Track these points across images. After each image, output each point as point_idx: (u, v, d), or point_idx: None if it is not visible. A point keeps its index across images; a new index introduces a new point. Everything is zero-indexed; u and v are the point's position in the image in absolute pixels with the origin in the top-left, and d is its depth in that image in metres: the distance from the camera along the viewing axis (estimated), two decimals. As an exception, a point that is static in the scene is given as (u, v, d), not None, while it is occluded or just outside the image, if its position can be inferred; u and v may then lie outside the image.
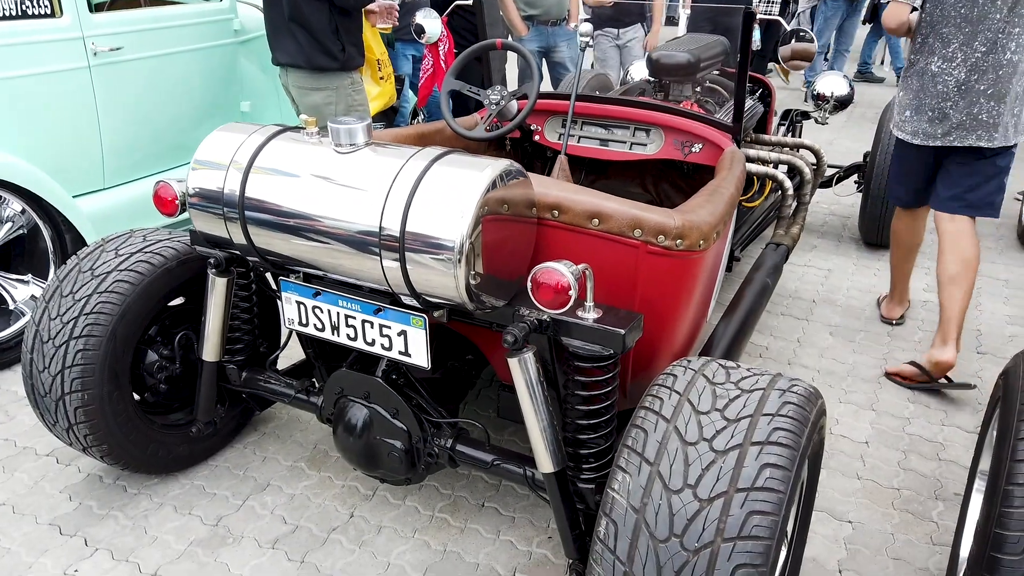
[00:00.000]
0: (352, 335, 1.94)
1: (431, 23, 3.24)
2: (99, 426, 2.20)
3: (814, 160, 3.87)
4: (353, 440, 2.04)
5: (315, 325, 1.99)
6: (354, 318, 1.91)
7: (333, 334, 1.97)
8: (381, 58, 4.28)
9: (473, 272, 1.61)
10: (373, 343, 1.91)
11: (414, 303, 1.73)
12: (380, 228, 1.63)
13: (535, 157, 3.37)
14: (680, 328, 2.08)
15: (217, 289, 2.14)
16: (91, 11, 3.50)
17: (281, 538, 2.27)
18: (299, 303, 1.98)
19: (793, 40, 3.99)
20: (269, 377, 2.33)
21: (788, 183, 3.32)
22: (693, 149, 2.89)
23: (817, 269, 4.08)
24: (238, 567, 2.16)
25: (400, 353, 1.88)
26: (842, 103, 4.19)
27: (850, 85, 4.17)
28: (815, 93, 4.21)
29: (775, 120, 4.36)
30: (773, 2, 7.03)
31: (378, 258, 1.66)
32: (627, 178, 3.44)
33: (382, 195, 1.64)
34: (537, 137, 3.18)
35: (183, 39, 4.03)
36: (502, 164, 1.67)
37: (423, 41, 3.18)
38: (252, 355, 2.39)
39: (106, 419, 2.21)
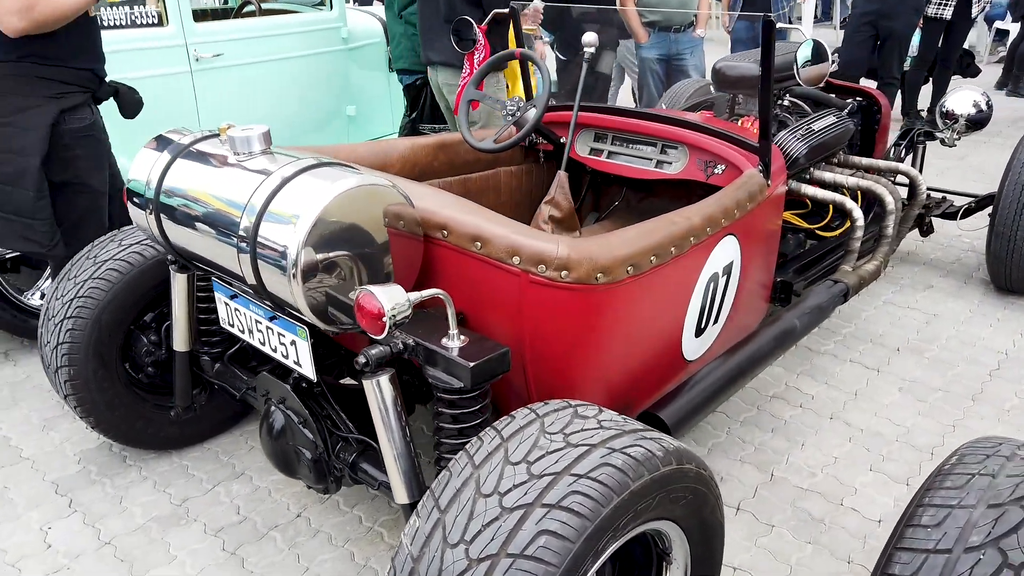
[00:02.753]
0: (262, 340, 1.97)
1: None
2: (85, 399, 2.41)
3: (911, 187, 3.38)
4: (271, 443, 2.08)
5: (237, 326, 2.05)
6: (260, 323, 1.94)
7: (249, 337, 2.02)
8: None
9: (320, 286, 1.57)
10: (276, 350, 1.93)
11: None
12: (240, 231, 1.65)
13: (570, 171, 3.23)
14: (602, 367, 1.90)
15: (179, 284, 2.26)
16: (194, 21, 3.84)
17: (227, 527, 2.35)
18: (225, 303, 2.05)
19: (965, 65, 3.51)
20: (230, 370, 2.43)
21: (857, 212, 2.95)
22: (716, 170, 2.63)
23: (920, 312, 3.55)
24: (177, 548, 2.28)
25: (294, 363, 1.89)
26: (976, 124, 3.64)
27: (988, 104, 3.62)
28: (944, 111, 3.70)
29: (890, 139, 3.86)
30: (947, 2, 6.17)
31: (238, 261, 1.67)
32: (673, 198, 3.20)
33: (246, 199, 1.65)
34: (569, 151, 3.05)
35: (287, 47, 4.31)
36: (364, 179, 1.62)
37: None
38: (228, 348, 2.50)
39: (91, 393, 2.41)
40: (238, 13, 4.72)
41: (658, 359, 2.15)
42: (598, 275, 1.71)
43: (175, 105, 3.83)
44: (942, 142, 3.73)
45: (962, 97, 3.67)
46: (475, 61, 3.34)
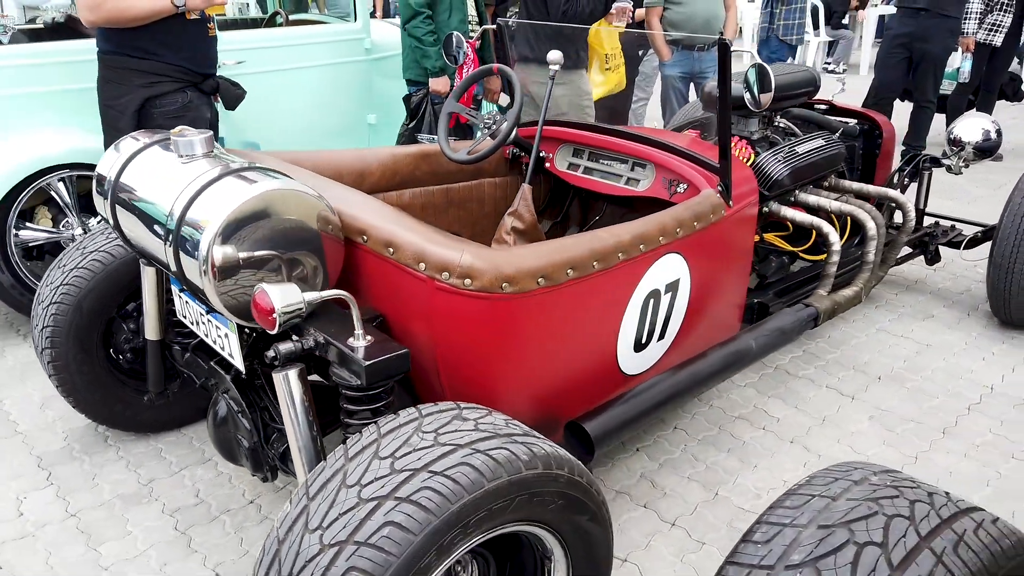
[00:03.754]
0: (205, 332, 2.10)
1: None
2: (66, 380, 2.59)
3: (901, 214, 3.33)
4: (215, 431, 2.20)
5: (188, 318, 2.18)
6: (202, 315, 2.06)
7: (197, 328, 2.15)
8: (611, 52, 4.70)
9: (232, 283, 1.68)
10: (215, 341, 2.06)
11: None
12: (168, 228, 1.77)
13: (551, 185, 3.29)
14: (518, 375, 1.96)
15: (147, 276, 2.41)
16: (219, 30, 4.04)
17: (183, 508, 2.49)
18: (177, 295, 2.19)
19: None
20: (196, 359, 2.57)
21: (834, 237, 2.93)
22: (679, 189, 2.66)
23: (913, 342, 3.48)
24: (134, 524, 2.42)
25: (228, 354, 2.01)
26: (984, 152, 3.57)
27: (997, 131, 3.55)
28: (951, 137, 3.63)
29: (894, 165, 3.79)
30: (1000, 27, 5.98)
31: (166, 256, 1.79)
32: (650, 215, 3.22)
33: (175, 199, 1.77)
34: (548, 164, 3.11)
35: (309, 56, 4.49)
36: (280, 183, 1.73)
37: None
38: (196, 338, 2.64)
39: (71, 375, 2.58)
40: (268, 23, 4.94)
41: (590, 372, 2.19)
42: (504, 285, 1.77)
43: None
44: (948, 169, 3.65)
45: (970, 124, 3.59)
46: (464, 74, 3.43)
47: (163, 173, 1.90)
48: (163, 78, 3.11)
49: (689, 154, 2.64)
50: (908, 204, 3.29)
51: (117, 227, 2.07)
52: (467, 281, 1.73)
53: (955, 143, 3.59)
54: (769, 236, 3.19)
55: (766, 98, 2.38)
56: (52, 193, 3.62)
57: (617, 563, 2.25)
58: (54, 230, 3.71)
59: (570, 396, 2.18)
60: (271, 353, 1.72)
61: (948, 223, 3.91)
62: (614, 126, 3.00)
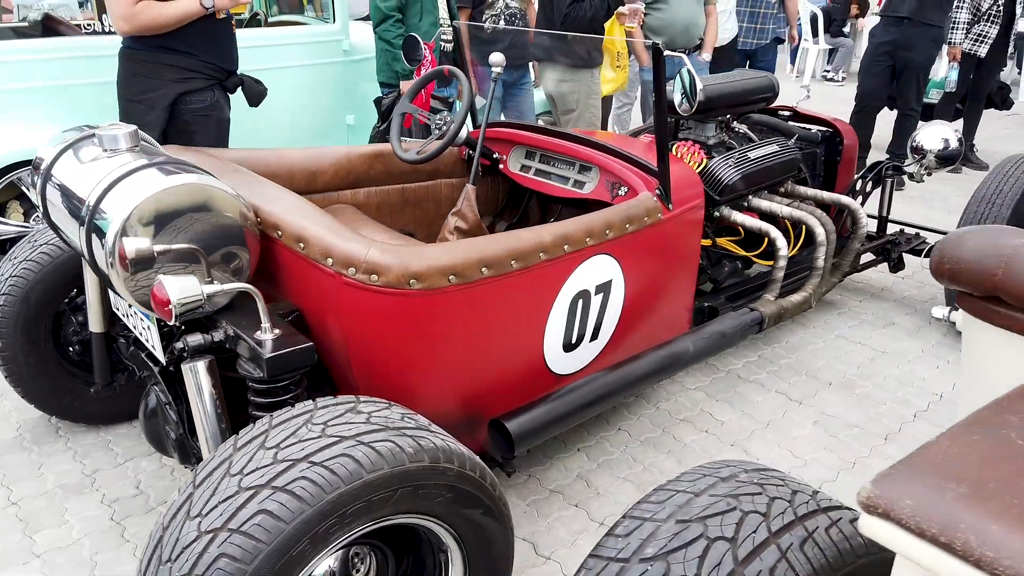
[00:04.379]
0: (134, 324, 2.13)
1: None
2: (13, 370, 2.63)
3: (852, 221, 3.33)
4: (145, 422, 2.24)
5: (121, 310, 2.22)
6: (130, 307, 2.10)
7: (127, 320, 2.19)
8: (622, 50, 4.87)
9: (138, 275, 1.72)
10: (141, 333, 2.09)
11: None
12: (82, 219, 1.81)
13: (510, 187, 3.32)
14: (434, 371, 1.98)
15: (89, 269, 2.45)
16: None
17: (122, 499, 2.53)
18: (110, 288, 2.23)
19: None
20: (137, 353, 2.61)
21: (781, 242, 2.95)
22: (619, 192, 2.68)
23: (869, 349, 3.48)
24: (71, 514, 2.46)
25: (152, 346, 2.04)
26: (946, 160, 3.57)
27: (959, 140, 3.55)
28: (913, 145, 3.64)
29: (855, 172, 3.79)
30: (985, 37, 5.96)
31: (83, 248, 1.83)
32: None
33: (90, 191, 1.81)
34: (502, 166, 3.14)
35: (288, 57, 4.54)
36: (190, 178, 1.76)
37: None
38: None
39: (19, 365, 2.63)
40: (249, 23, 4.99)
41: (515, 371, 2.21)
42: (412, 281, 1.80)
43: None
44: (910, 177, 3.65)
45: (932, 133, 3.59)
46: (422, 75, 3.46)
47: (88, 165, 1.94)
48: (196, 74, 3.18)
49: (630, 157, 2.66)
50: (860, 211, 3.29)
51: (47, 215, 2.12)
52: (373, 277, 1.76)
53: (916, 151, 3.59)
54: (722, 240, 3.21)
55: (691, 104, 2.40)
56: (23, 188, 3.68)
57: (541, 560, 2.27)
58: (26, 224, 3.77)
59: (495, 394, 2.20)
60: (179, 345, 1.76)
61: (913, 231, 3.91)
62: (563, 130, 3.02)
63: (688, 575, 1.22)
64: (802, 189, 3.35)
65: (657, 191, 2.54)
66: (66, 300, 2.70)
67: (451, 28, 4.17)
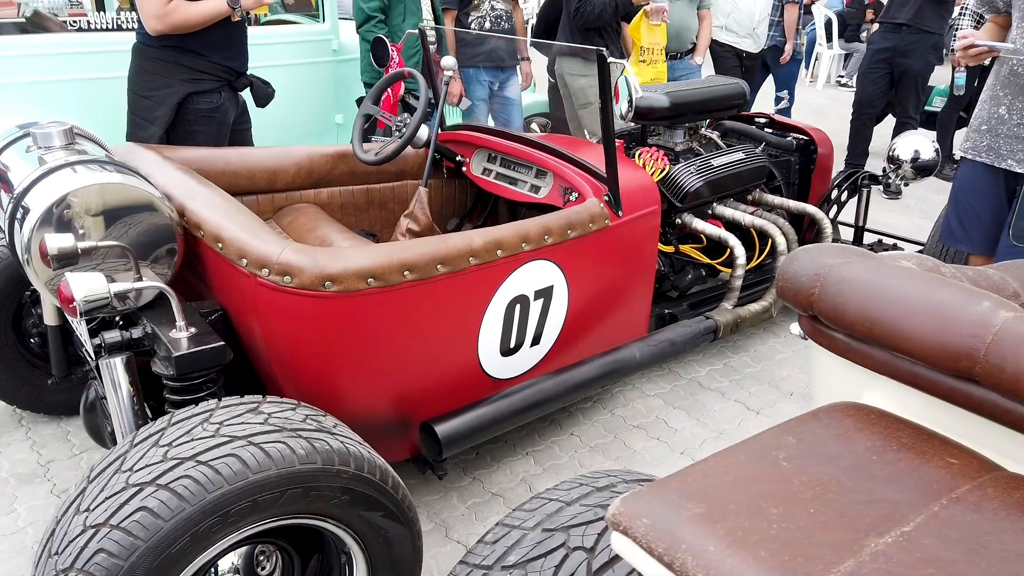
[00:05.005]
0: (71, 319, 2.17)
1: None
2: (-27, 361, 2.70)
3: (816, 230, 3.30)
4: (84, 416, 2.28)
5: (63, 305, 2.26)
6: (68, 303, 2.14)
7: (68, 316, 2.23)
8: (648, 47, 4.86)
9: (53, 271, 1.75)
10: (76, 328, 2.13)
11: None
12: (8, 215, 1.85)
13: (476, 190, 3.32)
14: (358, 374, 2.00)
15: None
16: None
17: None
18: (54, 284, 2.27)
19: None
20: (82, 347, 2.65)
21: (739, 251, 2.93)
22: (571, 197, 2.67)
23: (838, 360, 3.44)
24: (21, 502, 2.51)
25: (84, 342, 2.08)
26: (922, 170, 3.53)
27: (936, 150, 3.51)
28: (890, 155, 3.60)
29: (832, 181, 3.75)
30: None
31: (11, 242, 1.87)
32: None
33: (15, 188, 1.85)
34: (465, 169, 3.15)
35: (277, 55, 4.57)
36: (112, 177, 1.79)
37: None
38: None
39: (-22, 357, 2.70)
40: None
41: (449, 375, 2.22)
42: (327, 283, 1.81)
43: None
44: (887, 187, 3.60)
45: (909, 142, 3.54)
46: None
47: (21, 162, 1.98)
48: (206, 76, 3.24)
49: (581, 163, 2.66)
50: (825, 220, 3.26)
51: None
52: (287, 278, 1.78)
53: (893, 161, 3.54)
54: (686, 247, 3.19)
55: (629, 108, 2.39)
56: None
57: (471, 564, 2.27)
58: None
59: (428, 397, 2.21)
60: (96, 341, 1.79)
61: (891, 240, 3.86)
62: (523, 134, 3.02)
63: (585, 546, 1.23)
64: (769, 197, 3.33)
65: (606, 197, 2.54)
66: (28, 292, 2.75)
67: (433, 30, 4.19)
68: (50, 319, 2.60)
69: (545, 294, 2.37)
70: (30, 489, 2.57)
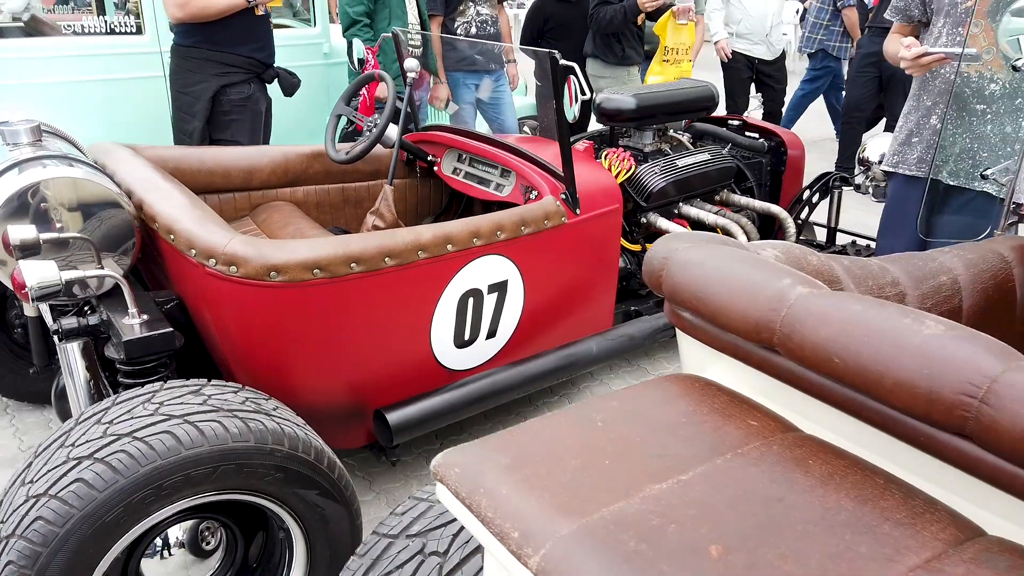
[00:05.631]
0: (42, 308, 2.28)
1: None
2: (-41, 351, 2.82)
3: (780, 230, 3.35)
4: (55, 401, 2.37)
5: (35, 295, 2.36)
6: (37, 293, 2.24)
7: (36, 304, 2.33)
8: (673, 47, 4.90)
9: (13, 261, 1.85)
10: (44, 315, 2.23)
11: None
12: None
13: (447, 187, 3.41)
14: (308, 361, 2.08)
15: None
16: (170, 30, 4.27)
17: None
18: (27, 275, 2.38)
19: None
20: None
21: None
22: (531, 195, 2.75)
23: (806, 358, 3.49)
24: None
25: (51, 329, 2.18)
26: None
27: (906, 151, 3.53)
28: (860, 156, 3.64)
29: (804, 183, 3.81)
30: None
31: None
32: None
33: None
34: (436, 168, 3.24)
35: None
36: (70, 172, 1.89)
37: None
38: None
39: (-37, 346, 2.82)
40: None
41: (402, 365, 2.30)
42: (272, 273, 1.90)
43: (149, 109, 4.26)
44: (856, 188, 3.65)
45: (878, 144, 3.58)
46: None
47: (-6, 159, 2.09)
48: (235, 69, 3.46)
49: (541, 163, 2.74)
50: (788, 220, 3.31)
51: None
52: (232, 268, 1.87)
53: (862, 163, 3.59)
54: (651, 246, 3.25)
55: (577, 109, 2.47)
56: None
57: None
58: None
59: (382, 386, 2.29)
60: (54, 327, 1.89)
61: (864, 242, 3.90)
62: (490, 135, 3.10)
63: (439, 549, 1.30)
64: (736, 198, 3.39)
65: (563, 196, 2.61)
66: (10, 285, 2.87)
67: (419, 35, 4.29)
68: (30, 311, 2.71)
69: (499, 288, 2.45)
70: (10, 474, 2.67)
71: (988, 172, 2.17)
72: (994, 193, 2.33)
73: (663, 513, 0.71)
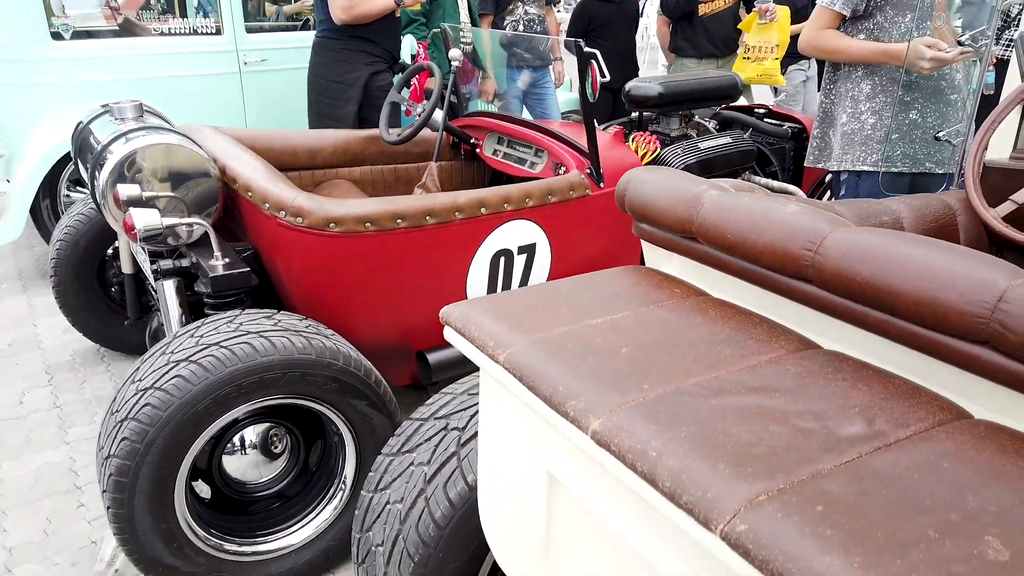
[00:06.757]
0: (142, 259, 2.69)
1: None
2: (65, 303, 3.28)
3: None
4: (149, 341, 2.80)
5: (135, 249, 2.79)
6: (137, 244, 2.66)
7: (137, 256, 2.76)
8: (755, 45, 5.16)
9: (122, 211, 2.26)
10: (143, 263, 2.65)
11: None
12: (89, 167, 2.37)
13: (488, 168, 3.75)
14: (360, 302, 2.44)
15: (120, 220, 3.05)
16: (246, 32, 4.73)
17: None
18: (128, 233, 2.80)
19: None
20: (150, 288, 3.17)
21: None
22: (560, 171, 3.07)
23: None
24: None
25: (146, 272, 2.59)
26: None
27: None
28: (881, 143, 3.85)
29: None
30: (1015, 42, 5.97)
31: (93, 191, 2.40)
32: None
33: (99, 145, 2.37)
34: (479, 150, 3.58)
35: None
36: (169, 139, 2.29)
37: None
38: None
39: (68, 298, 3.27)
40: (303, 27, 5.62)
41: (440, 311, 2.65)
42: (331, 224, 2.27)
43: (224, 101, 4.74)
44: (876, 172, 3.85)
45: (898, 130, 3.79)
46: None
47: (105, 129, 2.51)
48: (379, 59, 3.93)
49: (570, 142, 3.05)
50: (801, 196, 3.55)
51: (78, 170, 2.70)
52: (298, 219, 2.24)
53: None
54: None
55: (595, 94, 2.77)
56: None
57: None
58: (99, 194, 4.47)
59: (424, 331, 2.64)
60: (154, 267, 2.29)
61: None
62: (527, 119, 3.43)
63: (459, 425, 1.63)
64: (755, 178, 3.64)
65: (587, 170, 2.92)
66: (108, 251, 3.32)
67: (469, 31, 4.65)
68: (127, 268, 3.16)
69: (528, 250, 2.78)
70: (86, 427, 3.12)
71: (941, 135, 2.40)
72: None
73: (595, 333, 1.02)
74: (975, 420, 0.87)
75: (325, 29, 3.89)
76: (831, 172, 3.02)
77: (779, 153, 3.94)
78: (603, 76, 2.70)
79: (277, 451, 2.22)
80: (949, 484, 0.73)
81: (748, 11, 5.34)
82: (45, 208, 4.25)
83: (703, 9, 5.29)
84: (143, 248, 2.51)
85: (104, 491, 1.88)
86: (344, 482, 2.18)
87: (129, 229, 2.14)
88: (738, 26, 5.17)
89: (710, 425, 0.83)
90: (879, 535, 0.67)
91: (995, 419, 0.87)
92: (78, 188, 4.39)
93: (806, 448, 0.79)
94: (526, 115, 5.29)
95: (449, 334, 1.18)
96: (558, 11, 6.27)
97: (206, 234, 2.32)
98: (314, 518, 2.19)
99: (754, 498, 0.72)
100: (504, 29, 5.01)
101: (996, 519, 0.69)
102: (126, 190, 2.24)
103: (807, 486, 0.74)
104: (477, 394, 1.70)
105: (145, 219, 2.14)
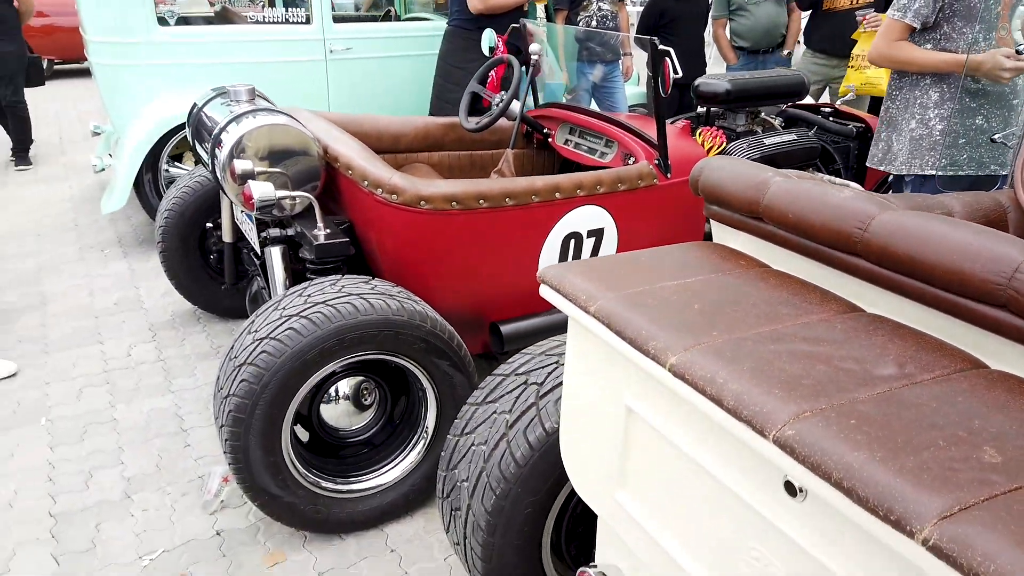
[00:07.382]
0: (247, 229, 2.98)
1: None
2: (170, 267, 3.61)
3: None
4: (248, 304, 3.08)
5: (239, 219, 3.07)
6: (242, 212, 2.94)
7: (242, 226, 3.04)
8: (861, 53, 5.10)
9: (239, 184, 2.53)
10: (248, 232, 2.93)
11: None
12: (207, 145, 2.65)
13: (559, 157, 3.95)
14: (444, 273, 2.67)
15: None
16: (333, 21, 5.02)
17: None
18: (234, 204, 3.09)
19: None
20: (250, 256, 3.46)
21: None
22: (630, 161, 3.25)
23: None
24: (199, 371, 3.37)
25: (252, 240, 2.87)
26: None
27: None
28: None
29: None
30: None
31: (211, 167, 2.68)
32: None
33: (216, 126, 2.64)
34: (551, 140, 3.79)
35: (398, 46, 5.37)
36: (275, 119, 2.55)
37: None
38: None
39: (173, 263, 3.59)
40: (385, 17, 5.89)
41: (514, 286, 2.86)
42: (421, 202, 2.50)
43: (311, 87, 5.03)
44: (938, 174, 3.94)
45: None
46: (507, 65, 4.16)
47: (219, 111, 2.79)
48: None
49: (639, 134, 3.24)
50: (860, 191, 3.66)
51: (193, 147, 3.00)
52: (394, 196, 2.48)
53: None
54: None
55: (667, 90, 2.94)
56: (195, 141, 4.72)
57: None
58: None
59: (498, 303, 2.86)
60: (263, 235, 2.56)
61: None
62: (598, 111, 3.62)
63: (538, 381, 1.84)
64: (817, 175, 3.76)
65: (656, 162, 3.11)
66: (208, 224, 3.62)
67: (544, 26, 4.85)
68: (227, 236, 3.46)
69: (597, 234, 2.97)
70: (206, 362, 3.44)
71: (997, 137, 2.51)
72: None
73: (671, 292, 1.22)
74: (991, 369, 1.04)
75: (458, 18, 4.22)
76: (895, 175, 3.14)
77: (843, 152, 4.05)
78: (676, 73, 2.88)
79: (367, 403, 2.47)
80: (960, 411, 0.92)
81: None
82: (147, 181, 4.60)
83: (827, 3, 5.37)
84: (251, 217, 2.79)
85: (222, 426, 2.15)
86: (426, 432, 2.42)
87: (247, 199, 2.41)
88: (851, 36, 5.15)
89: (767, 363, 1.03)
90: (898, 441, 0.86)
91: (1008, 371, 1.05)
92: (176, 164, 4.74)
93: (846, 382, 0.98)
94: (594, 108, 5.48)
95: (545, 291, 1.39)
96: (629, 5, 6.41)
97: (309, 206, 2.58)
98: (397, 464, 2.44)
99: (801, 413, 0.92)
100: (577, 24, 5.19)
101: (995, 437, 0.87)
102: (241, 165, 2.51)
103: (844, 407, 0.93)
104: (554, 355, 1.92)
105: (261, 190, 2.41)
